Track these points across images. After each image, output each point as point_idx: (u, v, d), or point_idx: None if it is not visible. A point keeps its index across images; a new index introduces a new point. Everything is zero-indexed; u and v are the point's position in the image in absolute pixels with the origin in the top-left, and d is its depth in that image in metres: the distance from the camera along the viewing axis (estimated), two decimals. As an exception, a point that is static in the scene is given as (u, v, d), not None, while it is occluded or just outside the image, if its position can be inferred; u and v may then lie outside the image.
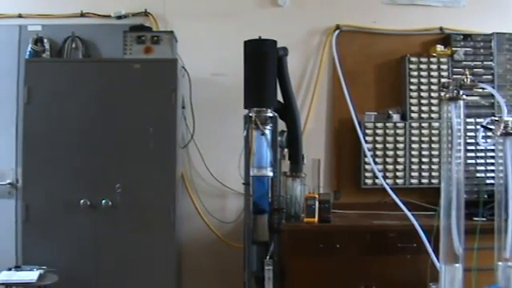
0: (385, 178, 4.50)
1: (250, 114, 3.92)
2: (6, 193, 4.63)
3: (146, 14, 4.76)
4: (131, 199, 4.10)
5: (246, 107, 3.98)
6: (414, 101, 4.65)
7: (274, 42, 4.00)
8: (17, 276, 3.80)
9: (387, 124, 4.63)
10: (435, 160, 4.60)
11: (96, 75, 4.19)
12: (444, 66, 4.65)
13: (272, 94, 4.00)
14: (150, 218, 4.12)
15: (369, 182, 4.61)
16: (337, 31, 4.83)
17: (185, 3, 4.83)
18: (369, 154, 4.47)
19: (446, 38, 4.75)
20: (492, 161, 4.48)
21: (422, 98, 4.64)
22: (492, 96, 4.42)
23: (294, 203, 4.19)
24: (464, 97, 2.66)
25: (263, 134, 3.90)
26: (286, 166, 4.28)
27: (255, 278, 3.93)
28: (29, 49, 4.51)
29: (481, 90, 3.28)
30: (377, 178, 4.48)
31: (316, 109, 4.84)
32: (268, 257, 3.83)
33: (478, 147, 4.49)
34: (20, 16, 4.72)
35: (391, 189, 4.05)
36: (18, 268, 3.95)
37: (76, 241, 4.09)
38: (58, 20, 4.72)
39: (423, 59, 4.66)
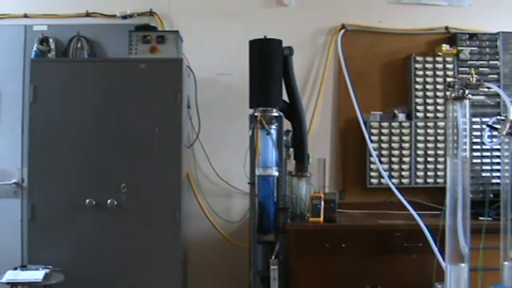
0: (390, 177, 4.49)
1: (256, 114, 3.93)
2: (12, 192, 4.64)
3: (151, 13, 4.77)
4: (136, 199, 4.11)
5: (251, 107, 3.99)
6: (419, 100, 4.64)
7: (280, 41, 4.01)
8: (22, 275, 3.81)
9: (393, 123, 4.63)
10: (441, 159, 4.59)
11: (101, 75, 4.19)
12: (450, 66, 4.63)
13: (277, 93, 4.00)
14: (155, 217, 4.12)
15: (374, 181, 4.61)
16: (342, 31, 4.82)
17: (190, 3, 4.84)
18: (374, 153, 4.47)
19: (452, 38, 4.73)
20: (498, 160, 4.47)
21: (427, 97, 4.63)
22: (498, 95, 4.40)
23: (299, 203, 4.18)
24: (470, 96, 2.67)
25: (269, 133, 3.91)
26: (291, 165, 4.28)
27: (261, 277, 3.94)
28: (34, 49, 4.53)
29: (486, 90, 3.27)
30: (382, 177, 4.48)
31: (321, 108, 4.84)
32: (273, 256, 3.83)
33: (484, 147, 4.48)
34: (25, 16, 4.73)
35: (397, 188, 4.06)
36: (23, 267, 3.96)
37: (82, 240, 4.10)
38: (64, 20, 4.73)
39: (429, 58, 4.64)
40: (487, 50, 4.66)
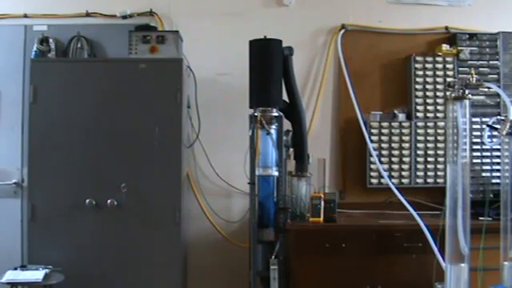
0: (390, 177, 4.49)
1: (256, 114, 3.93)
2: (12, 192, 4.64)
3: (151, 13, 4.77)
4: (136, 199, 4.11)
5: (251, 107, 3.99)
6: (419, 100, 4.63)
7: (280, 41, 4.01)
8: (22, 275, 3.81)
9: (393, 123, 4.62)
10: (441, 159, 4.59)
11: (101, 75, 4.19)
12: (450, 66, 4.63)
13: (277, 93, 4.00)
14: (155, 217, 4.12)
15: (374, 181, 4.60)
16: (342, 31, 4.82)
17: (190, 3, 4.84)
18: (374, 153, 4.46)
19: (452, 38, 4.73)
20: (498, 160, 4.47)
21: (427, 97, 4.63)
22: (498, 95, 4.40)
23: (299, 203, 4.17)
24: (470, 96, 2.66)
25: (269, 133, 3.92)
26: (291, 165, 4.27)
27: (261, 277, 3.94)
28: (34, 49, 4.53)
29: (486, 90, 3.28)
30: (382, 177, 4.48)
31: (321, 108, 4.84)
32: (273, 256, 3.83)
33: (484, 146, 4.48)
34: (25, 16, 4.72)
35: (397, 188, 4.05)
36: (23, 267, 3.96)
37: (81, 240, 4.10)
38: (64, 20, 4.73)
39: (429, 58, 4.64)
40: (487, 50, 4.66)
